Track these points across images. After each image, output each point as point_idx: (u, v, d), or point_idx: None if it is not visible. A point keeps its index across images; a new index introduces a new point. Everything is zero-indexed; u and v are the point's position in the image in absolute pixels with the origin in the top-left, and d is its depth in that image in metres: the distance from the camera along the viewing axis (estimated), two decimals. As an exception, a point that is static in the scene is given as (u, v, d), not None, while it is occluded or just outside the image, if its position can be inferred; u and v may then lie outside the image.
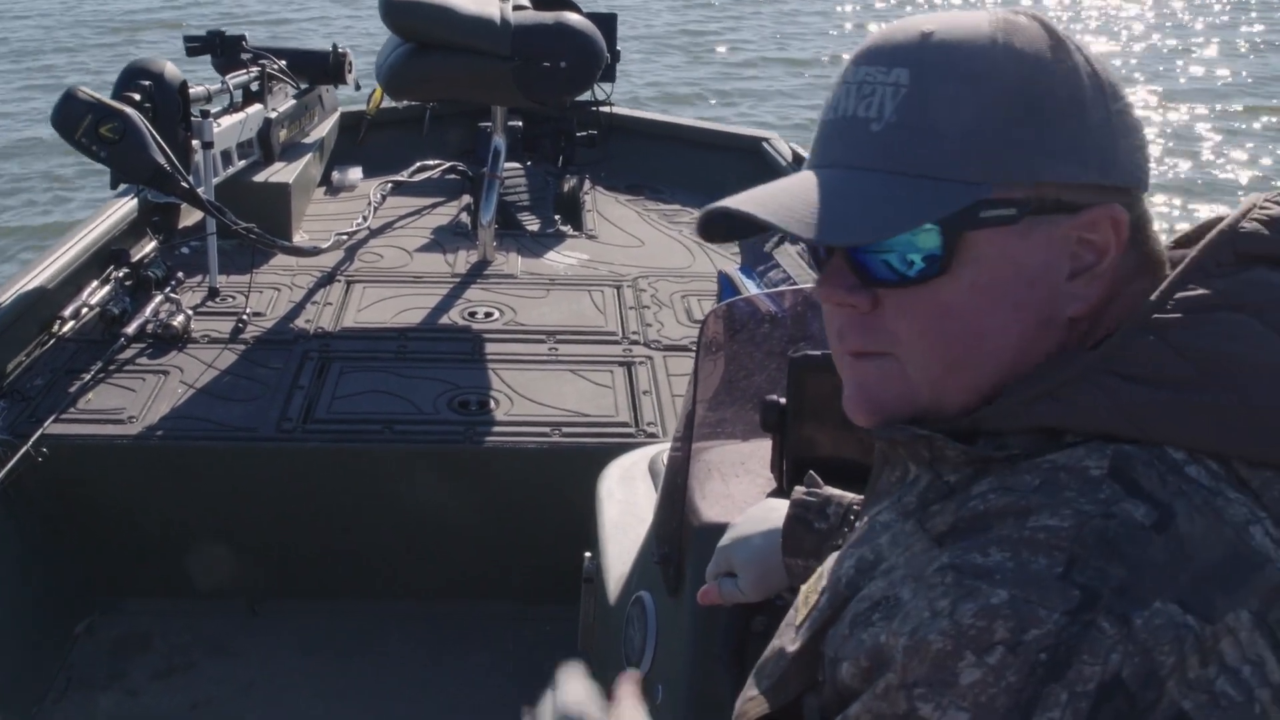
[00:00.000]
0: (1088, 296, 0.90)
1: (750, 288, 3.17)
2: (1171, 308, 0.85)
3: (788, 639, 0.94)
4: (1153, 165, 0.99)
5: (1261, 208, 0.89)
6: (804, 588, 0.99)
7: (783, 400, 1.55)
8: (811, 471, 1.34)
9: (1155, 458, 0.81)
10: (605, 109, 5.37)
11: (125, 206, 4.10)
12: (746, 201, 0.91)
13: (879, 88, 0.90)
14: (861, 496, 1.26)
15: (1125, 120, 0.91)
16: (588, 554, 2.21)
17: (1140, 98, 12.05)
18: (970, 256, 0.88)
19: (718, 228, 0.97)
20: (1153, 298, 0.86)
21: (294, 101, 4.64)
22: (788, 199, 0.90)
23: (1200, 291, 0.85)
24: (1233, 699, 0.73)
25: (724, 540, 1.42)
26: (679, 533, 1.69)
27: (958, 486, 0.87)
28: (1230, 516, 0.78)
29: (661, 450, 2.31)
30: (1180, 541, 0.76)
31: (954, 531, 0.82)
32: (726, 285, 3.40)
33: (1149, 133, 1.04)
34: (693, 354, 1.70)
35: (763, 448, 1.69)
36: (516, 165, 5.06)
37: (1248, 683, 0.74)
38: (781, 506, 1.34)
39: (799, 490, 1.31)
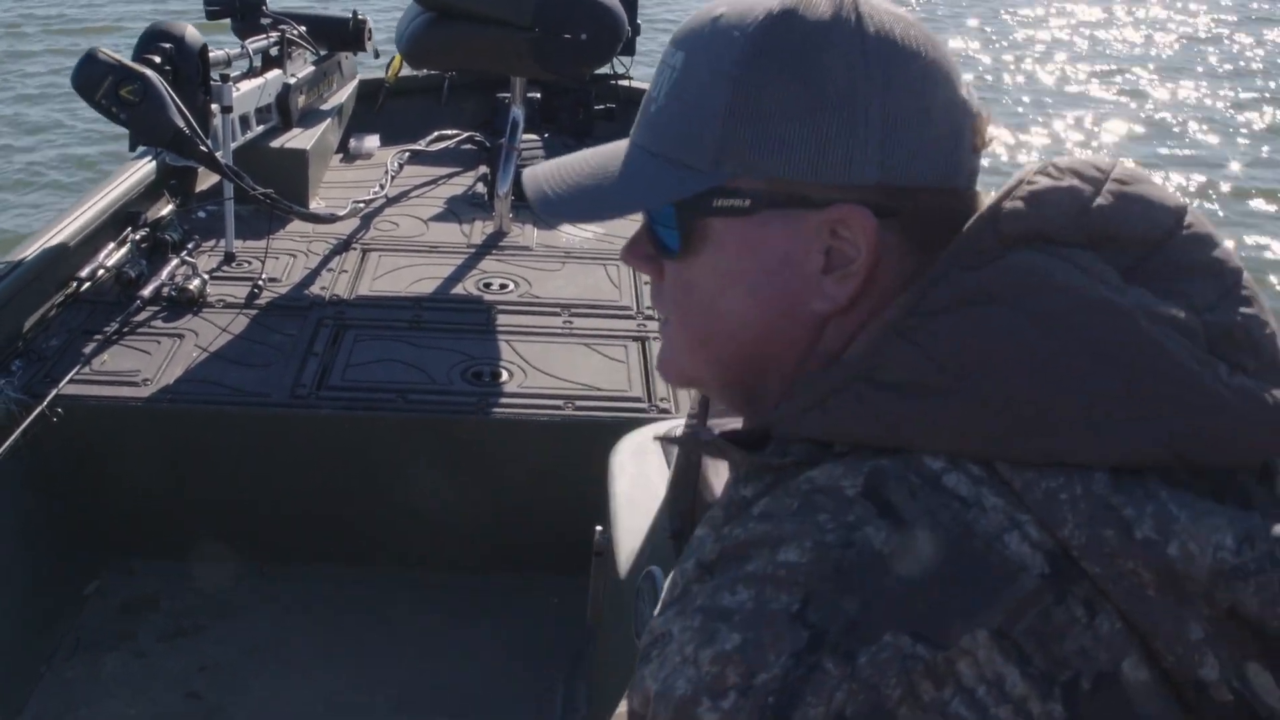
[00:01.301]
0: (836, 296, 0.90)
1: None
2: (924, 308, 0.83)
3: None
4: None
5: (1028, 182, 0.87)
6: None
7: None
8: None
9: (911, 470, 0.80)
10: (624, 82, 5.35)
11: (143, 169, 4.10)
12: (548, 164, 1.00)
13: (665, 68, 0.93)
14: None
15: (901, 115, 0.87)
16: (599, 528, 2.21)
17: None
18: (712, 239, 0.91)
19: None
20: (904, 297, 0.85)
21: (313, 68, 4.63)
22: (565, 169, 0.98)
23: (953, 286, 0.83)
24: (965, 718, 0.73)
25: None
26: (692, 508, 1.69)
27: (752, 501, 0.87)
28: (982, 529, 0.77)
29: (674, 425, 2.31)
30: (921, 566, 0.76)
31: (720, 561, 0.83)
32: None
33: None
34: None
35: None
36: (534, 137, 5.05)
37: (983, 702, 0.73)
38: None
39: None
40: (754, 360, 0.94)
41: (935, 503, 0.78)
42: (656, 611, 0.90)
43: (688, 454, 1.00)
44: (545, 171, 0.98)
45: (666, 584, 0.90)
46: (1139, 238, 0.85)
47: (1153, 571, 0.76)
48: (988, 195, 0.91)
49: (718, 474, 1.68)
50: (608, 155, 0.97)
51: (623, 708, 0.95)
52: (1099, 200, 0.85)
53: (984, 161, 0.95)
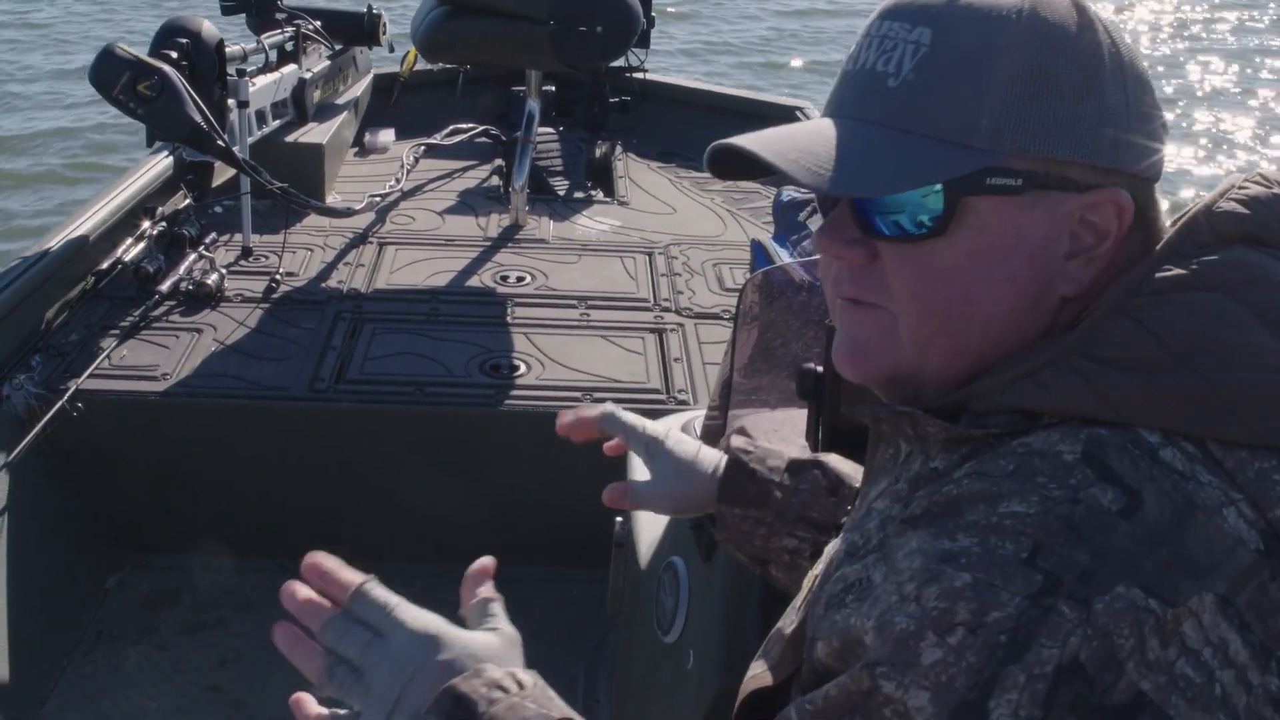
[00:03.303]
0: (1081, 279, 0.90)
1: (784, 256, 3.16)
2: (1146, 290, 0.85)
3: (787, 620, 0.95)
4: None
5: (1240, 187, 0.89)
6: (811, 571, 1.00)
7: (819, 368, 1.55)
8: (744, 425, 1.34)
9: (1129, 441, 0.81)
10: (639, 75, 5.35)
11: (160, 164, 4.11)
12: (756, 141, 0.92)
13: (900, 44, 0.90)
14: (794, 455, 1.35)
15: (1143, 107, 0.90)
16: (619, 519, 2.21)
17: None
18: (971, 222, 0.88)
19: (728, 165, 0.97)
20: (1128, 281, 0.86)
21: (328, 62, 4.63)
22: (798, 144, 0.91)
23: (1175, 272, 0.85)
24: (1191, 680, 0.74)
25: (664, 426, 1.45)
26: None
27: (945, 472, 0.88)
28: (1202, 500, 0.78)
29: (693, 417, 2.31)
30: (1147, 527, 0.77)
31: (927, 515, 0.83)
32: (760, 254, 3.39)
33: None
34: (724, 322, 1.71)
35: (796, 415, 1.68)
36: (549, 130, 5.05)
37: (1208, 664, 0.75)
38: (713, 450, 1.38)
39: (736, 440, 1.33)
40: (994, 348, 0.91)
41: (1157, 472, 0.79)
42: (826, 565, 0.91)
43: (890, 428, 0.96)
44: (784, 146, 0.91)
45: (840, 547, 0.90)
46: None
47: None
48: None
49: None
50: (838, 133, 0.91)
51: (758, 669, 0.94)
52: None
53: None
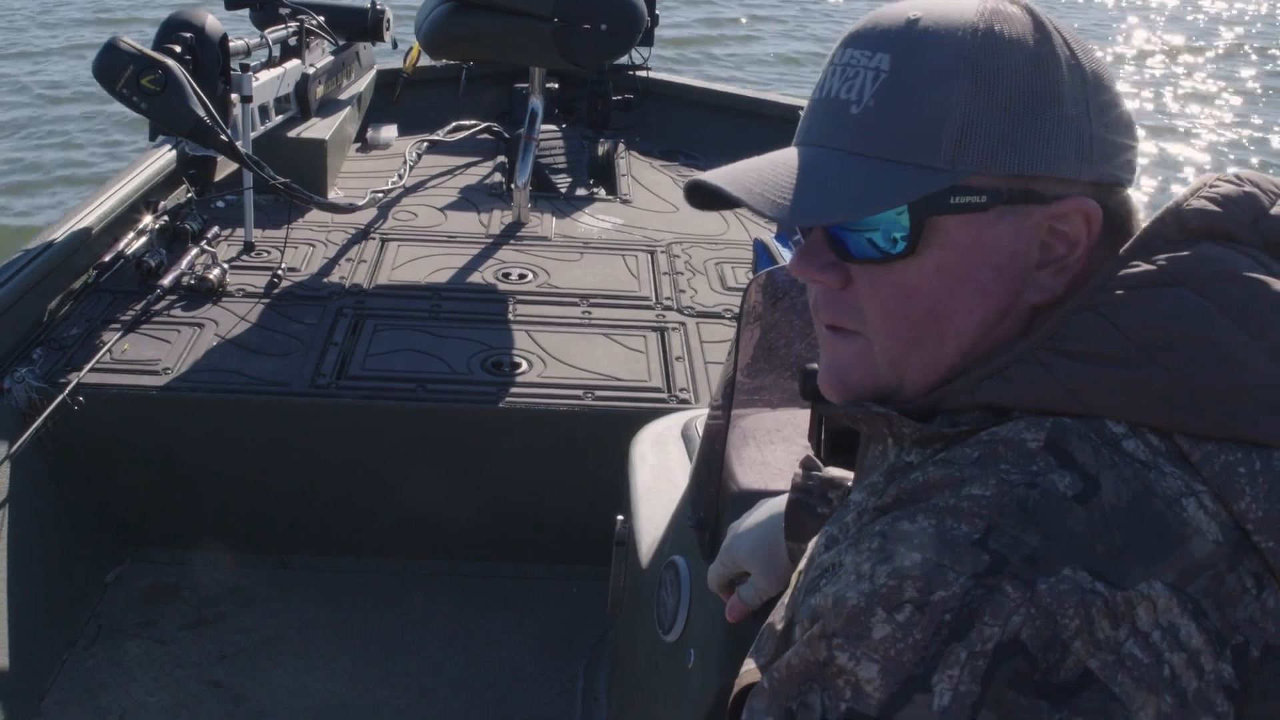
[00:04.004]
0: (1053, 288, 0.92)
1: (786, 256, 3.16)
2: (1113, 286, 0.86)
3: (777, 615, 0.96)
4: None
5: (1211, 185, 0.91)
6: (797, 568, 1.01)
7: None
8: (810, 454, 1.34)
9: (1093, 430, 0.83)
10: (642, 73, 5.35)
11: (163, 158, 4.11)
12: (721, 176, 0.95)
13: (861, 71, 0.92)
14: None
15: (1107, 115, 0.92)
16: (620, 517, 2.21)
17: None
18: (938, 240, 0.91)
19: (704, 197, 0.98)
20: (1097, 277, 0.88)
21: (331, 58, 4.64)
22: (764, 177, 0.94)
23: (1143, 269, 0.87)
24: (1139, 660, 0.76)
25: (725, 542, 1.44)
26: (716, 498, 1.70)
27: (919, 465, 0.90)
28: (1161, 490, 0.80)
29: (695, 416, 2.32)
30: (1103, 512, 0.79)
31: (896, 502, 0.86)
32: (762, 253, 3.38)
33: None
34: (726, 321, 1.70)
35: (798, 416, 1.69)
36: (552, 128, 5.05)
37: (1157, 646, 0.76)
38: (777, 499, 1.36)
39: (797, 475, 1.32)
40: (967, 358, 0.94)
41: (1117, 460, 0.81)
42: (808, 560, 0.93)
43: (867, 428, 0.98)
44: (749, 180, 0.94)
45: (821, 540, 0.92)
46: None
47: None
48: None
49: (741, 464, 1.69)
50: (803, 161, 0.94)
51: (750, 665, 0.96)
52: (1277, 208, 0.91)
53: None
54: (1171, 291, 0.85)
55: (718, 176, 0.95)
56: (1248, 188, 0.91)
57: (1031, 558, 0.77)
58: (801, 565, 0.96)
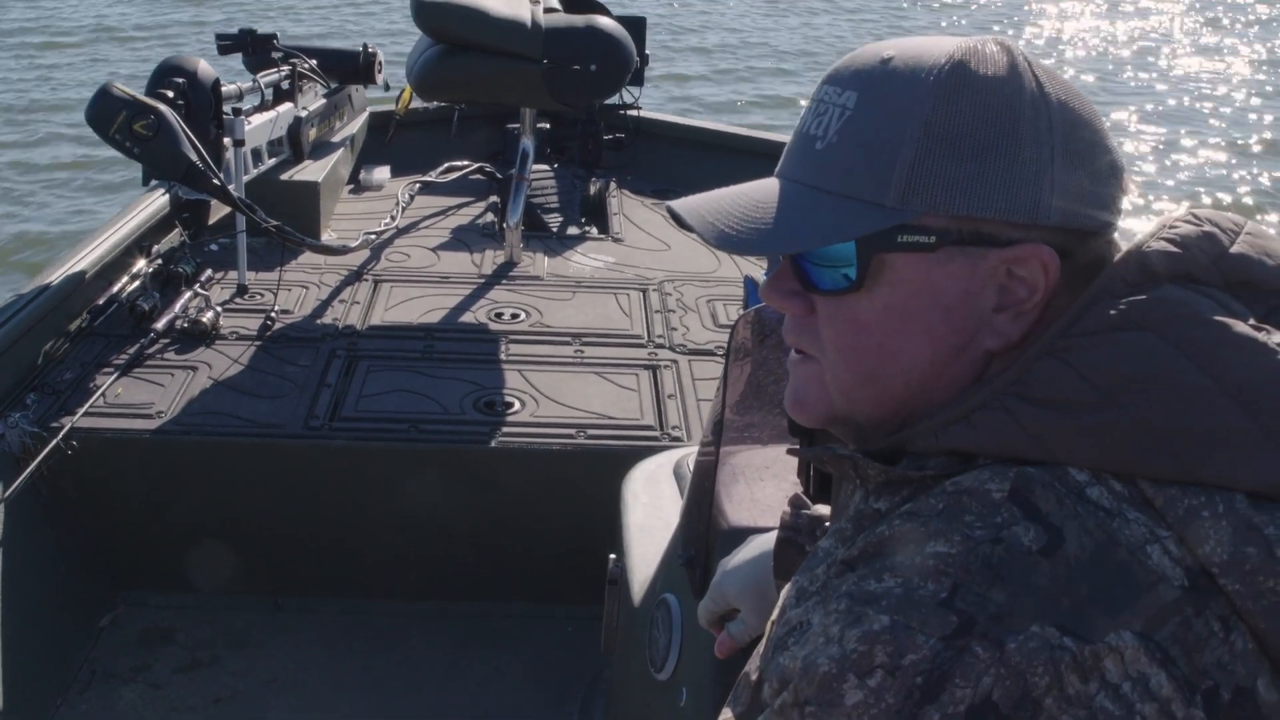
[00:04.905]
0: (1008, 333, 0.92)
1: (777, 293, 3.17)
2: (1075, 331, 0.87)
3: (752, 665, 0.97)
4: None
5: (1171, 226, 0.91)
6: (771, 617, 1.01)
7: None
8: (798, 492, 1.35)
9: (1056, 479, 0.83)
10: (632, 112, 5.38)
11: (156, 202, 4.12)
12: (685, 202, 0.99)
13: (831, 107, 0.95)
14: None
15: (1079, 160, 0.92)
16: (612, 556, 2.21)
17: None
18: (888, 277, 0.92)
19: (682, 223, 1.01)
20: (1060, 321, 0.88)
21: (324, 101, 4.66)
22: (722, 205, 0.97)
23: (1104, 312, 0.87)
24: (1111, 713, 0.76)
25: (715, 578, 1.45)
26: (706, 536, 1.70)
27: (886, 513, 0.90)
28: (1125, 538, 0.80)
29: (687, 454, 2.32)
30: (1067, 564, 0.79)
31: (862, 556, 0.86)
32: (753, 290, 3.40)
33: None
34: (718, 358, 1.72)
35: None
36: (544, 167, 5.07)
37: (1128, 698, 0.76)
38: (768, 535, 1.36)
39: (786, 513, 1.32)
40: (918, 396, 0.95)
41: (1081, 510, 0.81)
42: (779, 611, 0.93)
43: (835, 470, 0.99)
44: (707, 208, 0.97)
45: (791, 591, 0.92)
46: (1273, 286, 0.91)
47: None
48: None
49: (731, 501, 1.69)
50: (765, 192, 0.97)
51: (727, 714, 0.97)
52: (1236, 247, 0.91)
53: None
54: (1133, 335, 0.85)
55: (683, 203, 0.98)
56: (1206, 227, 0.91)
57: (999, 616, 0.77)
58: (774, 614, 0.96)
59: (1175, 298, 0.87)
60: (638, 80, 4.99)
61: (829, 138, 0.94)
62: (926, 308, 0.92)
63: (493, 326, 3.74)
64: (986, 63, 0.91)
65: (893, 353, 0.94)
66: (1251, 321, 0.87)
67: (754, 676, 0.95)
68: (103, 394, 3.18)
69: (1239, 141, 11.14)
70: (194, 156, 3.26)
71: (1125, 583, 0.79)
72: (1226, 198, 9.53)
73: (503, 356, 3.54)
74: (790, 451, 1.06)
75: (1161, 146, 10.95)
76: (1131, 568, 0.79)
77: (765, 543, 1.38)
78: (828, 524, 1.29)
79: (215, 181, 3.36)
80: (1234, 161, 10.60)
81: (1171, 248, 0.89)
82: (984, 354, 0.93)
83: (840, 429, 1.02)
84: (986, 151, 0.89)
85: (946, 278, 0.91)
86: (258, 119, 3.99)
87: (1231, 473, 0.82)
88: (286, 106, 4.29)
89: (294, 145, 4.37)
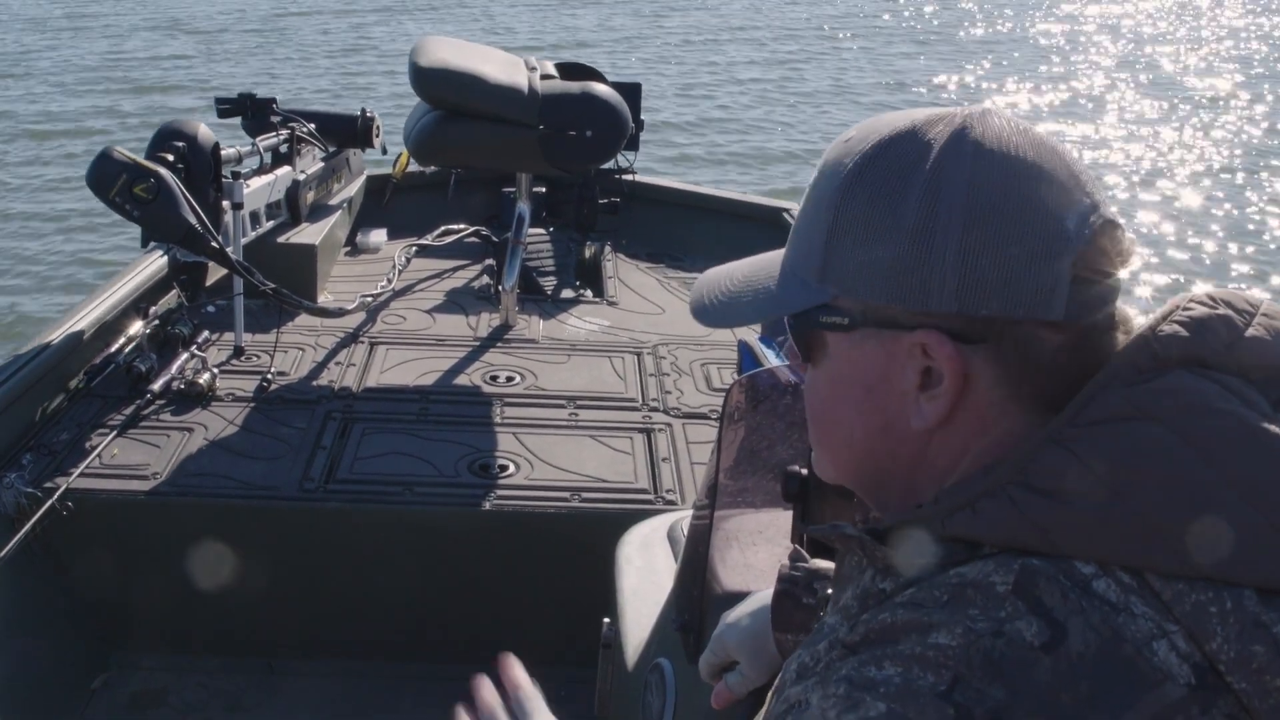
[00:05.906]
0: (928, 414, 0.93)
1: (770, 358, 3.19)
2: (1082, 420, 0.86)
3: None
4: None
5: (1184, 308, 0.89)
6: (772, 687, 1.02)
7: (804, 471, 1.57)
8: (797, 545, 1.37)
9: (1061, 572, 0.82)
10: (628, 177, 5.42)
11: (154, 264, 4.15)
12: (709, 274, 1.11)
13: (810, 186, 1.00)
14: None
15: (986, 248, 0.88)
16: (606, 620, 2.22)
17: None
18: (827, 353, 0.97)
19: None
20: (1069, 409, 0.87)
21: (322, 164, 4.70)
22: (720, 276, 1.08)
23: (1111, 401, 0.86)
24: None
25: (716, 630, 1.46)
26: (700, 600, 1.71)
27: (891, 595, 0.89)
28: (1131, 634, 0.79)
29: (680, 518, 2.33)
30: (1070, 661, 0.78)
31: (864, 641, 0.85)
32: (747, 355, 3.42)
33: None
34: (712, 422, 1.73)
35: (782, 517, 1.70)
36: (539, 231, 5.11)
37: None
38: (769, 590, 1.37)
39: (784, 566, 1.34)
40: (865, 466, 1.00)
41: (1086, 605, 0.80)
42: (779, 685, 0.93)
43: (841, 546, 1.00)
44: (712, 277, 1.08)
45: (793, 665, 0.93)
46: None
47: None
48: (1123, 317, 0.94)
49: (725, 565, 1.70)
50: (761, 264, 1.05)
51: None
52: (1251, 330, 0.88)
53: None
54: (1139, 426, 0.84)
55: (717, 270, 1.10)
56: (1221, 310, 0.89)
57: (996, 712, 0.76)
58: (775, 683, 0.96)
59: (1185, 386, 0.85)
60: (633, 145, 5.04)
61: (799, 216, 1.00)
62: (851, 385, 0.96)
63: (487, 389, 3.75)
64: (909, 145, 0.91)
65: (833, 423, 1.00)
66: (1265, 410, 0.85)
67: None
68: (98, 455, 3.19)
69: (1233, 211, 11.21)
70: (193, 220, 3.29)
71: (1129, 681, 0.77)
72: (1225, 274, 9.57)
73: (497, 419, 3.55)
74: (802, 529, 1.09)
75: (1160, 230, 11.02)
76: (1136, 665, 0.78)
77: (765, 596, 1.39)
78: (827, 578, 1.31)
79: (214, 244, 3.39)
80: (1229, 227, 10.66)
81: (1183, 331, 0.87)
82: (915, 433, 0.94)
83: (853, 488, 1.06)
84: (874, 239, 0.91)
85: (864, 357, 0.95)
86: (256, 182, 4.03)
87: (1239, 568, 0.80)
88: (285, 170, 4.33)
89: (292, 208, 4.41)
